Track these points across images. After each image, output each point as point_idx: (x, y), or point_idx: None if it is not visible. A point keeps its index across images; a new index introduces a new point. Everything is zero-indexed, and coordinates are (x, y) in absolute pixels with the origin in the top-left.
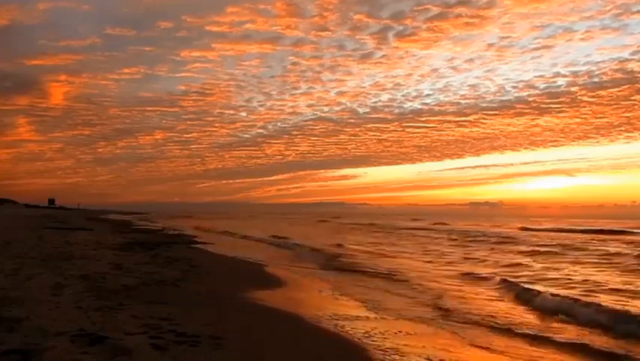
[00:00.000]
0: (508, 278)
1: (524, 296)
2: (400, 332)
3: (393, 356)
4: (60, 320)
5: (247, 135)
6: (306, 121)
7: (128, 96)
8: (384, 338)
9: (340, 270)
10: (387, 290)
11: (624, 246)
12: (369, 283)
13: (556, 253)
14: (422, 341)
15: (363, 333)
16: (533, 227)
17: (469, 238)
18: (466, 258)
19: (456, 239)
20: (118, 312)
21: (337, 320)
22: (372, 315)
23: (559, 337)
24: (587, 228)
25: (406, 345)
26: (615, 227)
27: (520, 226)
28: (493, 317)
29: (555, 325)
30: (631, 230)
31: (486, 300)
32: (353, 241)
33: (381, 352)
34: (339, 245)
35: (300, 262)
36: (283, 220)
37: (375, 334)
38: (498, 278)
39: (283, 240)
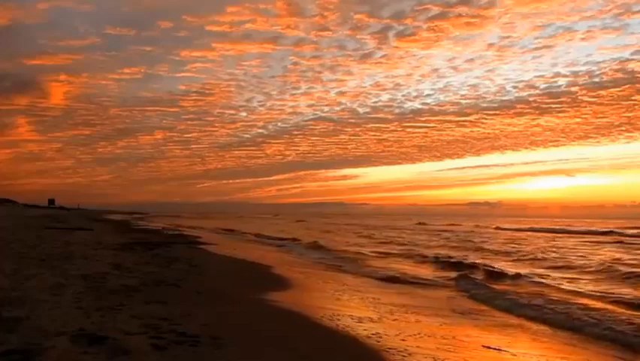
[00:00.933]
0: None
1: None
2: (406, 330)
3: (394, 354)
4: (60, 320)
5: (247, 135)
6: (306, 121)
7: (128, 96)
8: (387, 335)
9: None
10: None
11: (572, 244)
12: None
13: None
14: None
15: (368, 332)
16: (507, 227)
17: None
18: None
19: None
20: (118, 312)
21: (339, 317)
22: (373, 315)
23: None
24: (560, 228)
25: (418, 346)
26: (594, 228)
27: (495, 226)
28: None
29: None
30: (609, 230)
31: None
32: (334, 240)
33: (385, 351)
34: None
35: (291, 257)
36: (272, 220)
37: (380, 332)
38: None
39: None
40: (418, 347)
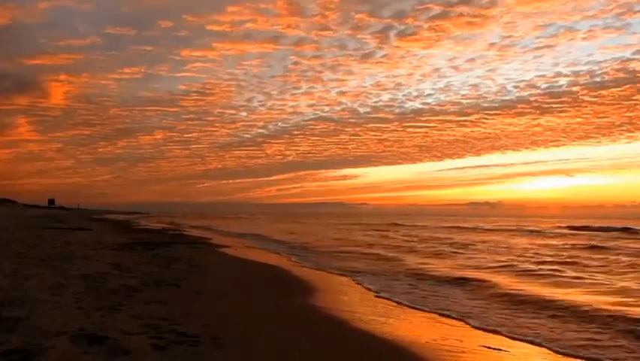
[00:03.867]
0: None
1: None
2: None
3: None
4: (60, 320)
5: (247, 135)
6: (306, 121)
7: (128, 96)
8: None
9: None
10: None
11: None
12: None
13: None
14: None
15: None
16: (405, 223)
17: None
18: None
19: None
20: (118, 312)
21: (339, 311)
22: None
23: None
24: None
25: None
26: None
27: (392, 222)
28: None
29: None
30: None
31: None
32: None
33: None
34: None
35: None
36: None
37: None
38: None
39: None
40: None
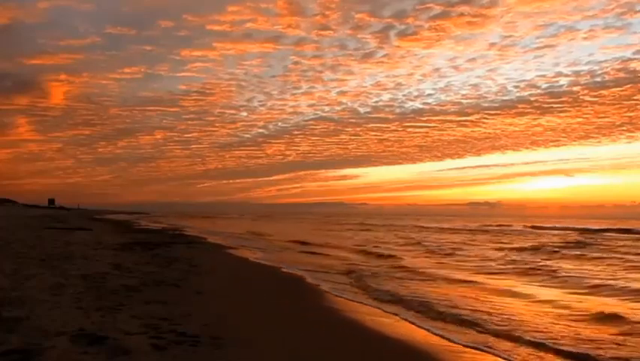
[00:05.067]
0: None
1: None
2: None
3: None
4: (60, 320)
5: (248, 135)
6: (306, 121)
7: (128, 96)
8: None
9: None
10: None
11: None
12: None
13: None
14: None
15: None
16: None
17: None
18: None
19: None
20: (118, 312)
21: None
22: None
23: None
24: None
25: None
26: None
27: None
28: None
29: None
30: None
31: None
32: None
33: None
34: None
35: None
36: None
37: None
38: None
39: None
40: None
